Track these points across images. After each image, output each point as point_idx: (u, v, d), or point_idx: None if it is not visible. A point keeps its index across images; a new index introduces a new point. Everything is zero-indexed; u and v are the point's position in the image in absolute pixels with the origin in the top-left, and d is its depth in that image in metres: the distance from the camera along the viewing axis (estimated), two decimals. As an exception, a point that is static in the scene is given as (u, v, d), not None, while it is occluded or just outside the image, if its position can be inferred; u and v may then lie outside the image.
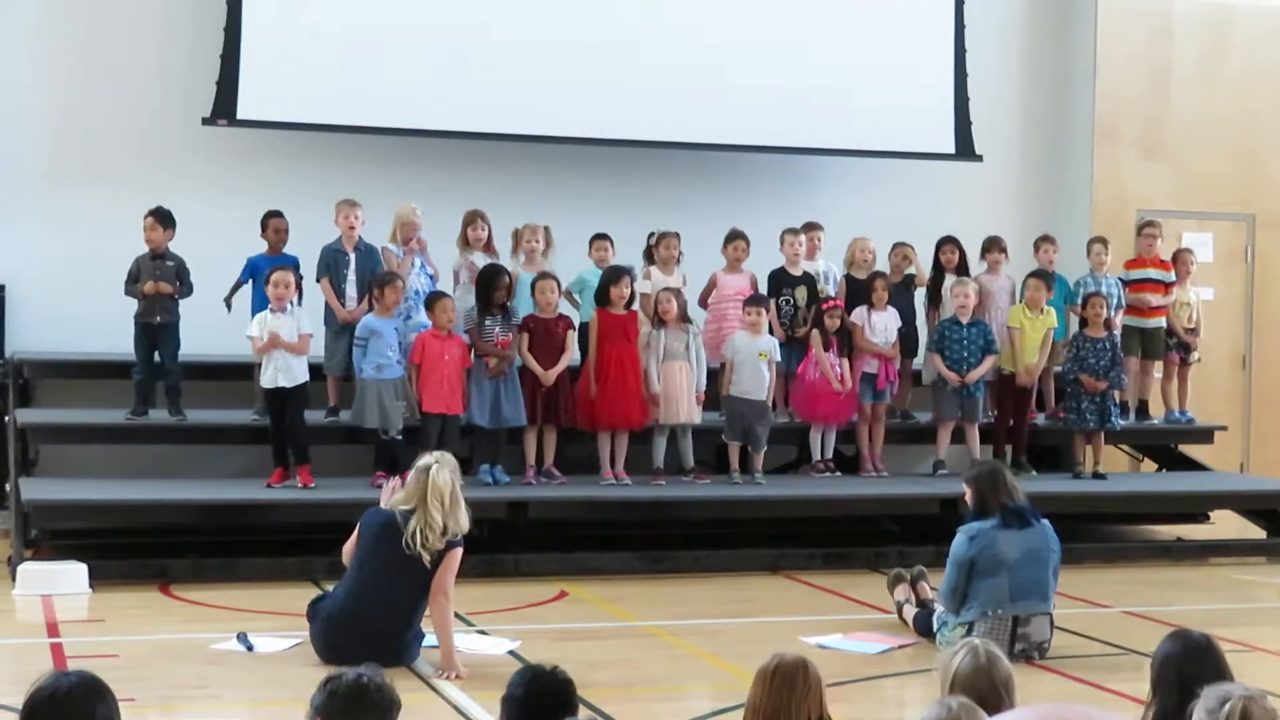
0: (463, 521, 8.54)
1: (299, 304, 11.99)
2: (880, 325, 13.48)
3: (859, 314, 13.45)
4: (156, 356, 12.44)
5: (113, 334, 12.85)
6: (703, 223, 14.10)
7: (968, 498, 9.43)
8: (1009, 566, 9.08)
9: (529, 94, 14.75)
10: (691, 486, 12.79)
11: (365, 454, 12.34)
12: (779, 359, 13.06)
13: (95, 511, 11.98)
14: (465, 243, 12.95)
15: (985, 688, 4.94)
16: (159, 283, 12.29)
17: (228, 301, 12.68)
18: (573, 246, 13.31)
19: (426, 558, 8.43)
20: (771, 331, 13.31)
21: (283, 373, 11.67)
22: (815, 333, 13.26)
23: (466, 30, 14.69)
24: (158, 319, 12.32)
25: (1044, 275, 13.88)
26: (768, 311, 13.07)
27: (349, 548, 8.85)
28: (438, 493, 8.46)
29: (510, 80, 14.70)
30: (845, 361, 13.23)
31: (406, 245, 12.68)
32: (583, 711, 5.45)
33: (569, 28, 14.88)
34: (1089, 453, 13.91)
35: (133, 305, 12.39)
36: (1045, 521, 9.37)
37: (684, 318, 12.86)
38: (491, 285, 12.31)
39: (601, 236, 13.35)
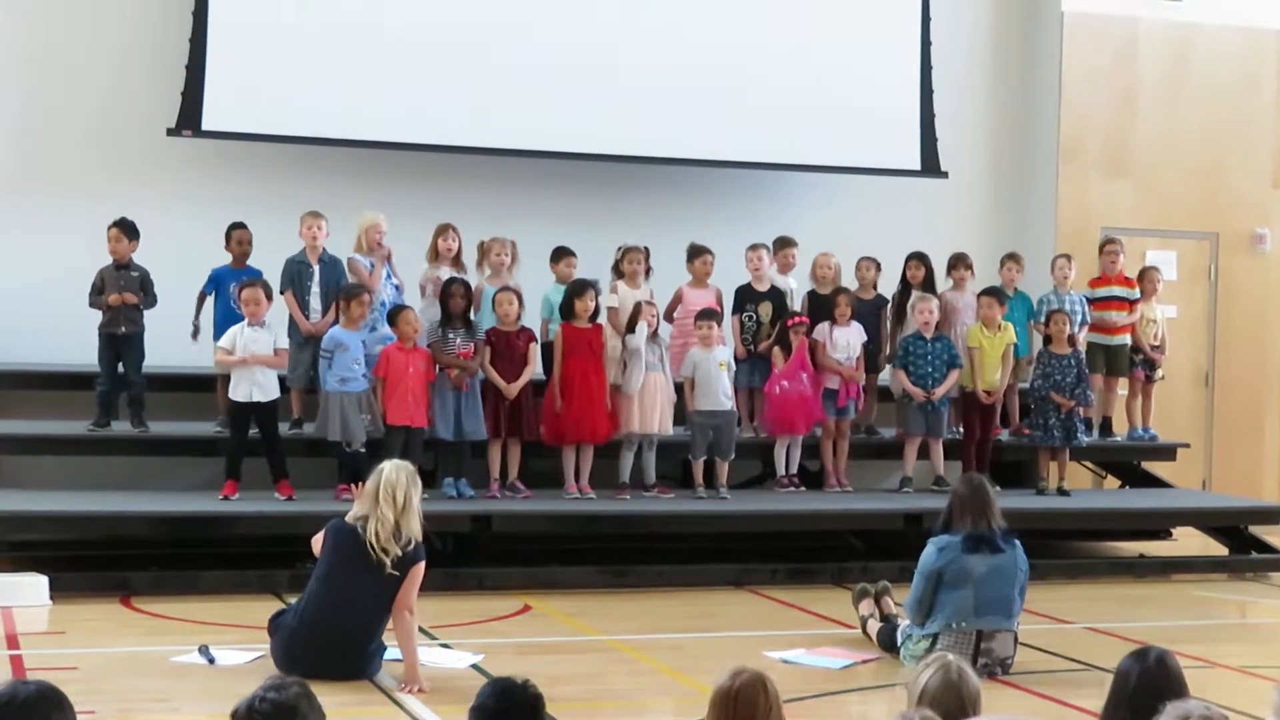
0: (414, 526, 8.52)
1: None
2: (842, 341, 13.49)
3: (820, 330, 13.45)
4: (120, 368, 12.38)
5: (74, 346, 12.79)
6: (670, 237, 14.09)
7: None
8: (975, 581, 9.09)
9: (496, 107, 14.74)
10: (656, 501, 12.78)
11: (329, 467, 12.28)
12: (734, 369, 13.09)
13: (56, 523, 11.89)
14: (435, 254, 12.93)
15: (953, 703, 4.94)
16: (124, 293, 12.24)
17: (195, 326, 12.59)
18: (541, 261, 13.29)
19: (387, 563, 8.41)
20: (735, 346, 13.36)
21: (257, 387, 11.65)
22: (776, 349, 13.27)
23: (433, 43, 14.67)
24: (122, 329, 12.26)
25: (995, 292, 13.91)
26: (719, 325, 13.08)
27: (318, 541, 8.84)
28: (389, 488, 8.47)
29: (477, 94, 14.70)
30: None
31: (374, 252, 12.66)
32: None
33: (537, 42, 14.88)
34: (1054, 469, 13.94)
35: (95, 317, 12.33)
36: (1016, 543, 9.37)
37: (656, 331, 12.90)
38: (446, 295, 12.32)
39: (568, 252, 13.29)
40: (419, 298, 12.89)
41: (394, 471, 8.55)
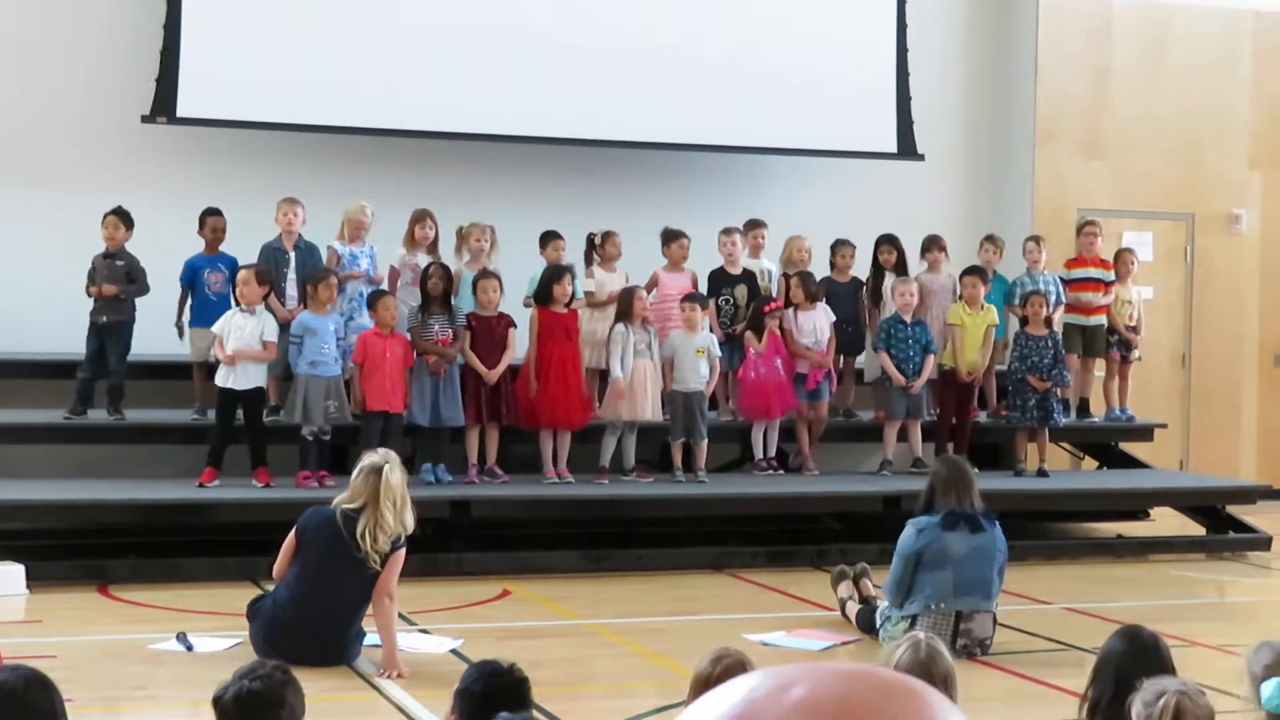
0: (408, 523, 8.51)
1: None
2: (809, 325, 13.46)
3: (786, 316, 13.41)
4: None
5: (51, 334, 12.78)
6: (646, 221, 14.08)
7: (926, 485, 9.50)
8: (954, 562, 9.11)
9: (471, 93, 14.69)
10: (635, 485, 12.78)
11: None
12: (719, 354, 13.07)
13: (33, 512, 11.87)
14: (411, 240, 12.89)
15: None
16: (103, 284, 12.21)
17: (179, 327, 12.55)
18: (517, 245, 13.26)
19: (374, 558, 8.39)
20: (712, 330, 13.35)
21: (235, 374, 11.58)
22: (750, 334, 13.26)
23: (410, 28, 14.62)
24: (104, 318, 12.24)
25: (979, 271, 13.95)
26: (704, 308, 13.07)
27: (282, 559, 8.74)
28: (391, 493, 8.41)
29: (452, 79, 14.65)
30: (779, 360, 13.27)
31: (357, 237, 12.63)
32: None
33: (513, 27, 14.82)
34: (1034, 450, 13.95)
35: (76, 305, 12.33)
36: (996, 523, 9.39)
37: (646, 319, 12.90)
38: (425, 279, 12.31)
39: (556, 235, 13.25)
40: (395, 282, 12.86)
41: (391, 472, 8.47)
